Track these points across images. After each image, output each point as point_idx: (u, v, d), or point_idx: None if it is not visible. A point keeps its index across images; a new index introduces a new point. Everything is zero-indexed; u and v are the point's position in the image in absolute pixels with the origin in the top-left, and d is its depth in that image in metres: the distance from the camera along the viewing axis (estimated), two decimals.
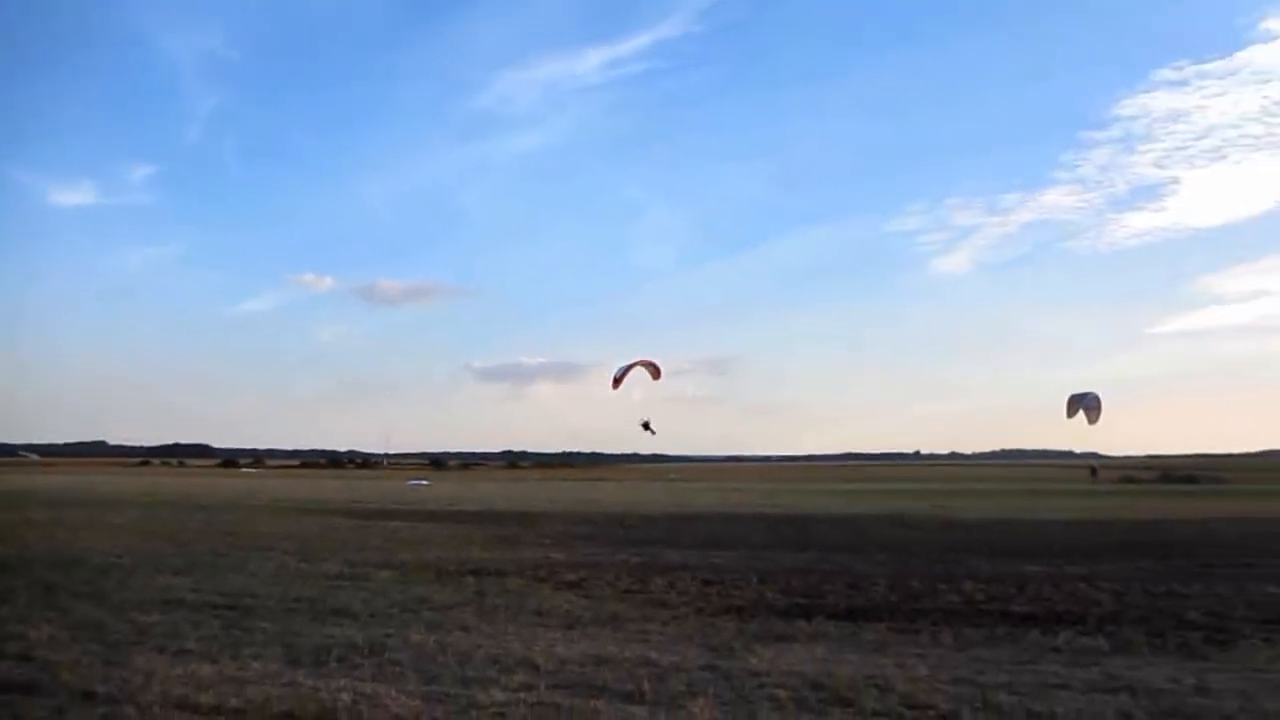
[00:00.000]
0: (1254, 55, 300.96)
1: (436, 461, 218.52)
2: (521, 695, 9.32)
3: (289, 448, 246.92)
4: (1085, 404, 37.35)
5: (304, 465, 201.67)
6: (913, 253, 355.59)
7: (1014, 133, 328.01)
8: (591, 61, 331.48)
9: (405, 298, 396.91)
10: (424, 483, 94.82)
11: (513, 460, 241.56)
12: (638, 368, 39.17)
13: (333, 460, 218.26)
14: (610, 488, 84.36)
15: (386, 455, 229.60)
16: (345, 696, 9.08)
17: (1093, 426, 37.82)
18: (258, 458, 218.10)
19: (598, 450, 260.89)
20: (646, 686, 9.66)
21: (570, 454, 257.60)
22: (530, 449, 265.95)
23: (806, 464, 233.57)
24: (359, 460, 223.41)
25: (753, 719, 8.57)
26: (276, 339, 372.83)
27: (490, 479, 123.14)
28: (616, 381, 38.84)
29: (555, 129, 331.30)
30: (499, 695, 9.28)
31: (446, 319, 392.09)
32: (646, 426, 41.45)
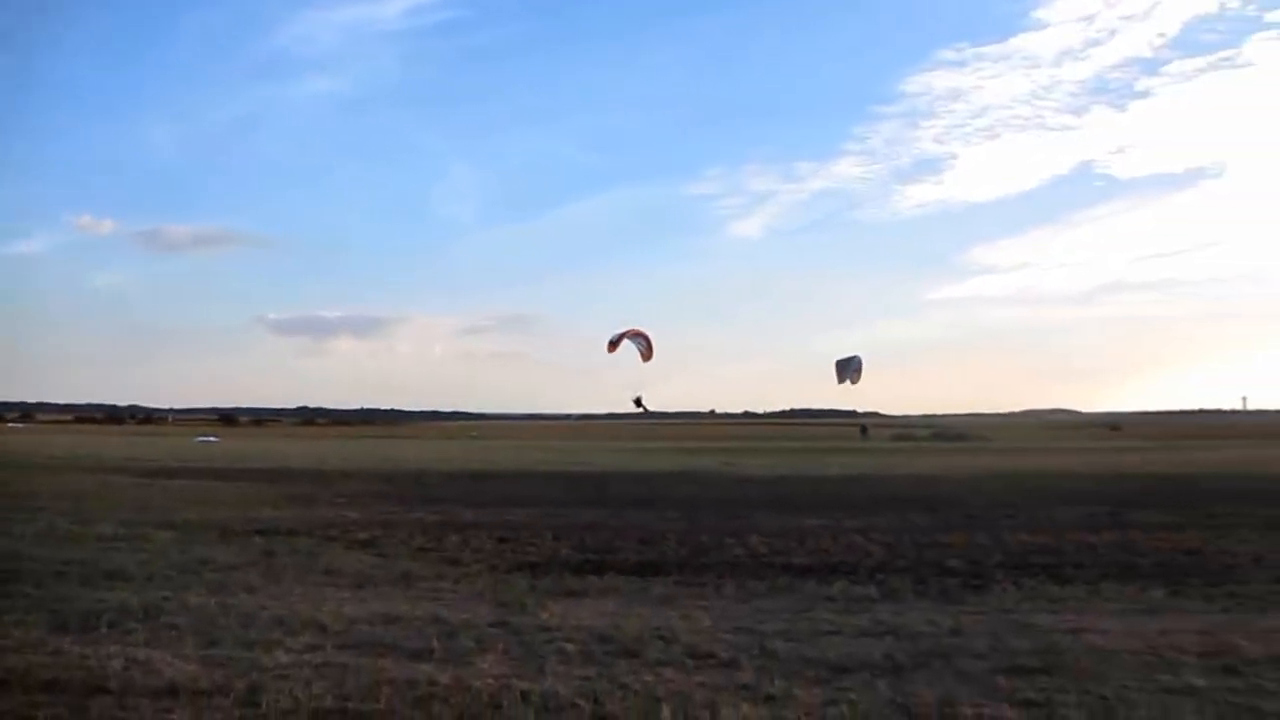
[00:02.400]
0: (1025, 42, 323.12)
1: (227, 417, 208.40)
2: (307, 656, 9.18)
3: (63, 401, 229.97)
4: (849, 367, 39.33)
5: (79, 420, 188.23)
6: (711, 216, 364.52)
7: (809, 103, 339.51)
8: (394, 6, 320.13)
9: (193, 244, 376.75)
10: (213, 439, 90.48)
11: (309, 417, 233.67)
12: (628, 340, 38.19)
13: (112, 415, 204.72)
14: (410, 445, 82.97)
15: (172, 410, 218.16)
16: (115, 663, 8.70)
17: (854, 386, 39.96)
18: (26, 412, 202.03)
19: (398, 407, 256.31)
20: (436, 644, 9.70)
21: (370, 411, 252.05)
22: (328, 405, 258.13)
23: (606, 422, 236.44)
24: (141, 415, 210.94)
25: (540, 673, 8.74)
26: (49, 285, 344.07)
27: (285, 436, 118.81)
28: (612, 345, 37.81)
29: (356, 74, 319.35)
30: (283, 657, 9.11)
31: (238, 268, 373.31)
32: (638, 403, 40.46)
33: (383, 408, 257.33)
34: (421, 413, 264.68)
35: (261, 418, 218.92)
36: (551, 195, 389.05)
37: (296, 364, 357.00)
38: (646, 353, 37.24)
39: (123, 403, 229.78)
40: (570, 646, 9.73)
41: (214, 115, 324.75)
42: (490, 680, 8.39)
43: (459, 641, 9.92)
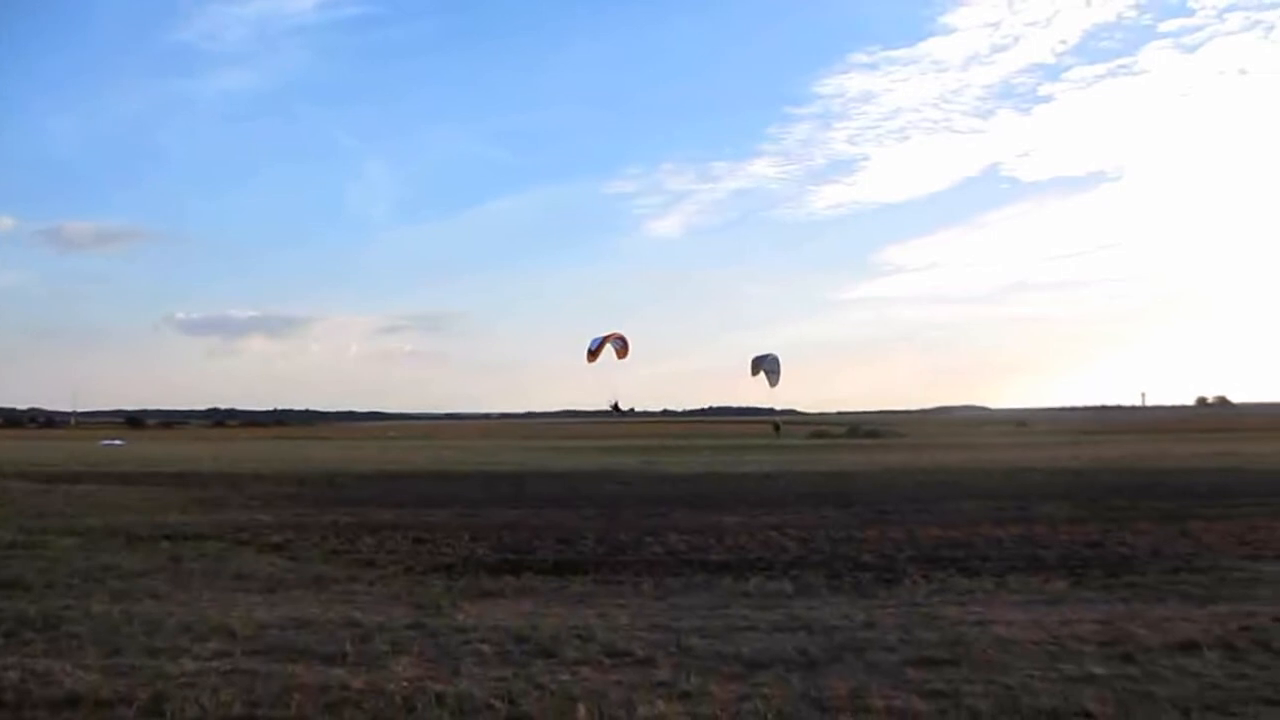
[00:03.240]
0: (934, 46, 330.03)
1: (134, 420, 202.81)
2: (214, 663, 8.99)
3: None
4: (765, 365, 39.58)
5: None
6: (628, 215, 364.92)
7: (725, 103, 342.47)
8: (306, 0, 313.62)
9: (97, 242, 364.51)
10: (118, 442, 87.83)
11: (220, 419, 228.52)
12: (611, 345, 37.38)
13: (10, 419, 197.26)
14: (325, 447, 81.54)
15: (74, 413, 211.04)
16: (12, 674, 8.42)
17: (773, 389, 40.08)
18: None
19: (313, 408, 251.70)
20: (349, 648, 9.58)
21: (283, 412, 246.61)
22: (240, 407, 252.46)
23: (525, 421, 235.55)
24: (43, 419, 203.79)
25: (456, 674, 8.68)
26: None
27: (195, 438, 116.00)
28: (592, 355, 36.92)
29: (266, 69, 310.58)
30: (190, 665, 8.90)
31: (144, 266, 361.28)
32: (616, 408, 39.58)
33: (297, 409, 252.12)
34: (337, 413, 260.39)
35: (170, 420, 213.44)
36: (468, 193, 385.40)
37: (206, 365, 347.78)
38: (622, 351, 37.09)
39: (22, 405, 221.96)
40: (486, 647, 9.69)
41: (119, 110, 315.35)
42: (405, 683, 8.31)
43: (373, 644, 9.80)
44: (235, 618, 10.93)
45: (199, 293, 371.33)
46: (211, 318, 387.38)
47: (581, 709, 7.62)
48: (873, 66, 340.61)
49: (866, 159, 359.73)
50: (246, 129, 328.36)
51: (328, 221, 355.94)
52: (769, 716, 7.53)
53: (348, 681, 8.35)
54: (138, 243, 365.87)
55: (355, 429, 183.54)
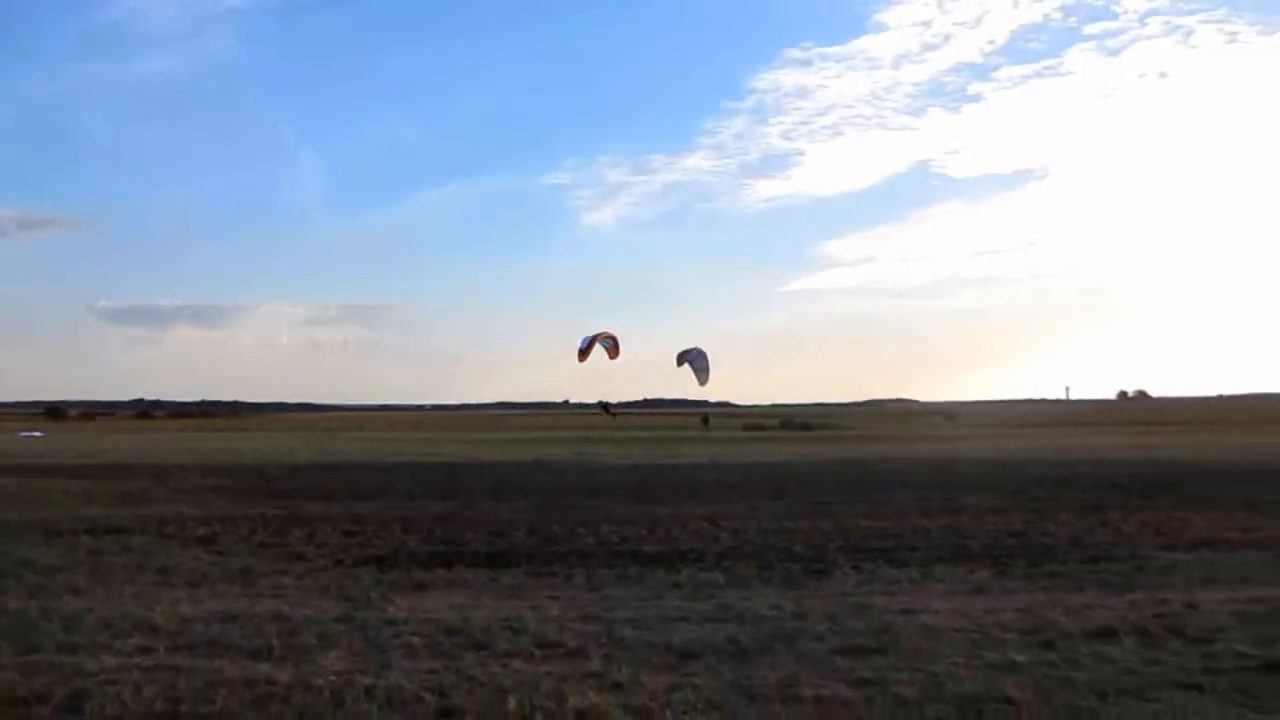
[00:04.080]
0: (867, 44, 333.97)
1: (54, 410, 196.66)
2: (136, 659, 8.81)
3: None
4: (690, 359, 39.71)
5: None
6: (565, 207, 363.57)
7: (662, 96, 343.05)
8: None
9: (15, 228, 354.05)
10: (37, 434, 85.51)
11: (145, 410, 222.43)
12: (601, 345, 36.57)
13: None
14: (254, 438, 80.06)
15: None
16: None
17: (702, 386, 40.19)
18: None
19: (242, 399, 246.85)
20: (276, 642, 9.45)
21: (211, 403, 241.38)
22: (165, 398, 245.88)
23: (460, 413, 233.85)
24: None
25: (385, 667, 8.61)
26: None
27: (119, 430, 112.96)
28: (582, 354, 36.10)
29: (194, 53, 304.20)
30: (110, 661, 8.70)
31: (66, 254, 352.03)
32: (605, 408, 38.66)
33: (225, 400, 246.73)
34: (267, 404, 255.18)
35: (93, 411, 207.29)
36: (403, 183, 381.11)
37: (131, 354, 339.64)
38: (613, 350, 36.64)
39: None
40: (417, 640, 9.62)
41: (38, 93, 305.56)
42: (333, 677, 8.22)
43: (301, 638, 9.67)
44: (158, 613, 10.71)
45: (124, 281, 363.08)
46: (136, 306, 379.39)
47: (512, 701, 7.61)
48: (807, 63, 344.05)
49: (801, 154, 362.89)
50: (174, 114, 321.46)
51: (258, 209, 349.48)
52: (699, 706, 7.58)
53: (274, 676, 8.23)
54: (60, 230, 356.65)
55: (285, 420, 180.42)
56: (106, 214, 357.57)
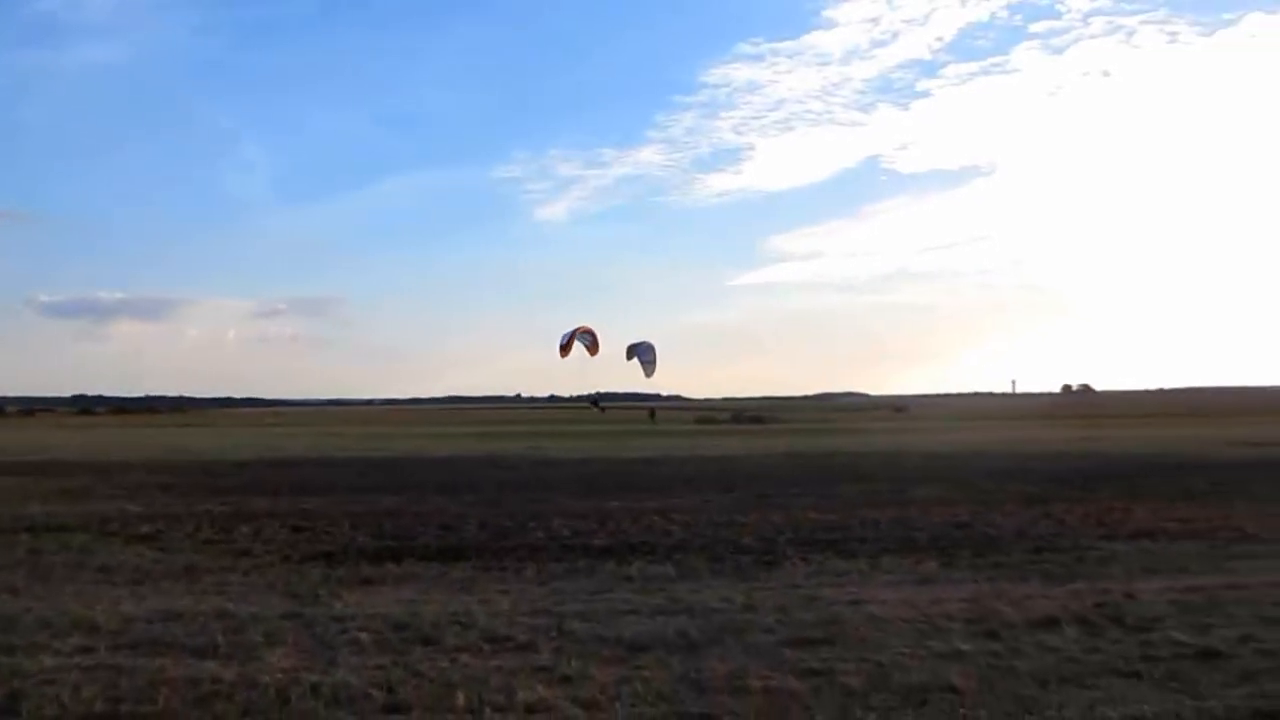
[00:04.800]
0: (817, 39, 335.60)
1: None
2: (76, 659, 8.66)
3: None
4: (639, 353, 39.69)
5: None
6: (516, 201, 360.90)
7: (614, 90, 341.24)
8: None
9: None
10: None
11: (87, 405, 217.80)
12: (579, 340, 35.84)
13: None
14: (200, 434, 78.78)
15: None
16: None
17: (649, 378, 40.19)
18: None
19: (187, 394, 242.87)
20: (221, 640, 9.32)
21: (155, 399, 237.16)
22: (108, 393, 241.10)
23: (410, 408, 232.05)
24: None
25: (332, 664, 8.53)
26: None
27: (60, 426, 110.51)
28: (563, 350, 35.38)
29: (134, 42, 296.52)
30: (49, 661, 8.54)
31: (4, 247, 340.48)
32: (595, 404, 37.94)
33: (169, 395, 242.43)
34: (213, 400, 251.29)
35: (32, 407, 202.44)
36: (351, 176, 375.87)
37: (72, 349, 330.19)
38: (593, 347, 36.26)
39: None
40: (365, 636, 9.54)
41: None
42: (279, 674, 8.13)
43: (247, 636, 9.55)
44: (99, 612, 10.52)
45: (64, 274, 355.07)
46: (77, 300, 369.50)
47: (460, 696, 7.58)
48: (758, 57, 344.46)
49: (752, 148, 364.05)
50: (114, 104, 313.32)
51: (202, 201, 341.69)
52: (649, 699, 7.61)
53: (219, 674, 8.13)
54: None
55: (232, 416, 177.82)
56: (46, 206, 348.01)
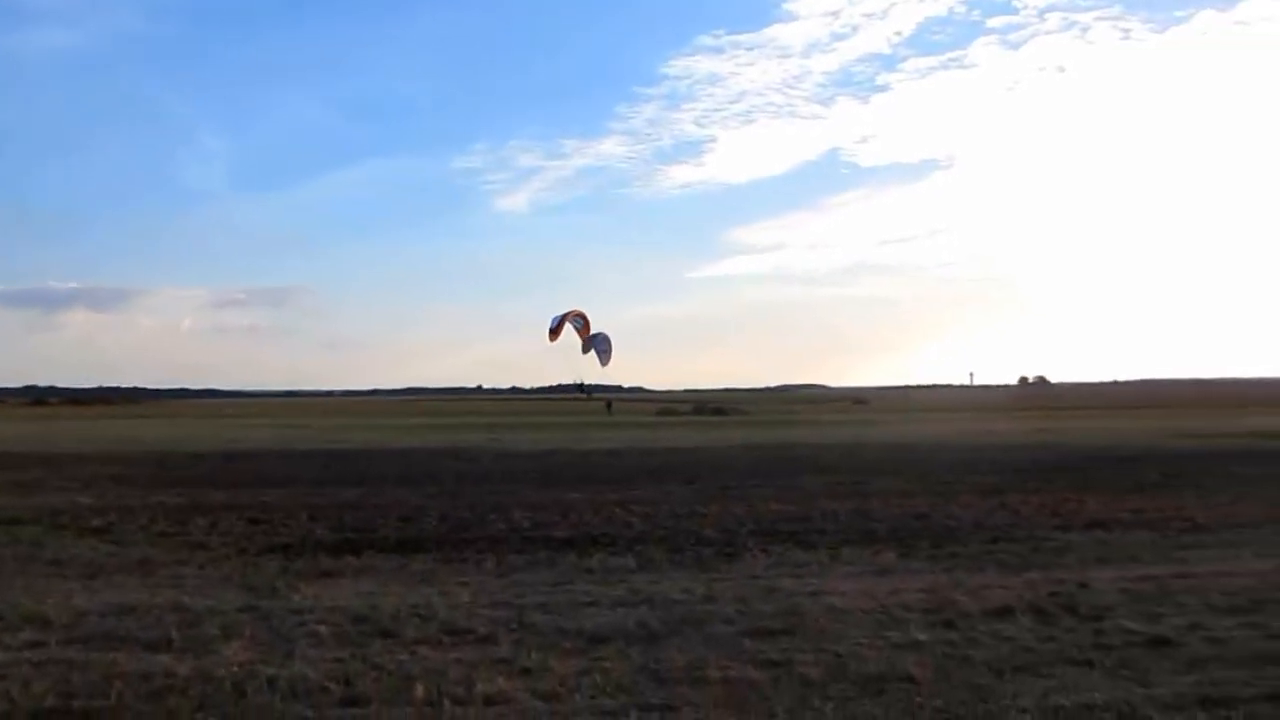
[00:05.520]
0: (778, 32, 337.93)
1: None
2: (27, 654, 8.53)
3: None
4: (595, 343, 39.71)
5: None
6: (477, 191, 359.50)
7: (574, 81, 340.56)
8: None
9: None
10: None
11: (39, 396, 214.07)
12: (571, 324, 35.10)
13: None
14: (155, 425, 77.56)
15: None
16: None
17: (604, 368, 40.22)
18: None
19: (142, 385, 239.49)
20: (175, 633, 9.21)
21: (109, 389, 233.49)
22: (60, 384, 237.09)
23: (370, 399, 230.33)
24: None
25: (289, 657, 8.46)
26: None
27: (10, 418, 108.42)
28: (553, 333, 34.65)
29: (91, 28, 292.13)
30: None
31: None
32: (591, 395, 37.39)
33: (124, 386, 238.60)
34: (168, 390, 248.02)
35: None
36: (310, 164, 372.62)
37: (24, 339, 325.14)
38: (584, 330, 35.80)
39: None
40: (323, 629, 9.48)
41: None
42: (235, 668, 8.06)
43: (202, 629, 9.45)
44: (50, 606, 10.36)
45: (15, 263, 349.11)
46: (29, 290, 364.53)
47: (419, 688, 7.54)
48: (719, 50, 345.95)
49: (713, 140, 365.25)
50: (68, 90, 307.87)
51: (157, 190, 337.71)
52: (608, 690, 7.62)
53: (173, 668, 8.04)
54: None
55: (188, 407, 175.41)
56: None
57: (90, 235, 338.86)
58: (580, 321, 36.24)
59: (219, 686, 7.59)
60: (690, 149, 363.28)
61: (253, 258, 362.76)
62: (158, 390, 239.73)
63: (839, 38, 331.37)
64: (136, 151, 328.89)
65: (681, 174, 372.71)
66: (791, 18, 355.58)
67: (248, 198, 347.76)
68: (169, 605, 10.50)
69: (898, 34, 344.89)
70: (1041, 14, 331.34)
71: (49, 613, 10.03)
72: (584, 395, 41.48)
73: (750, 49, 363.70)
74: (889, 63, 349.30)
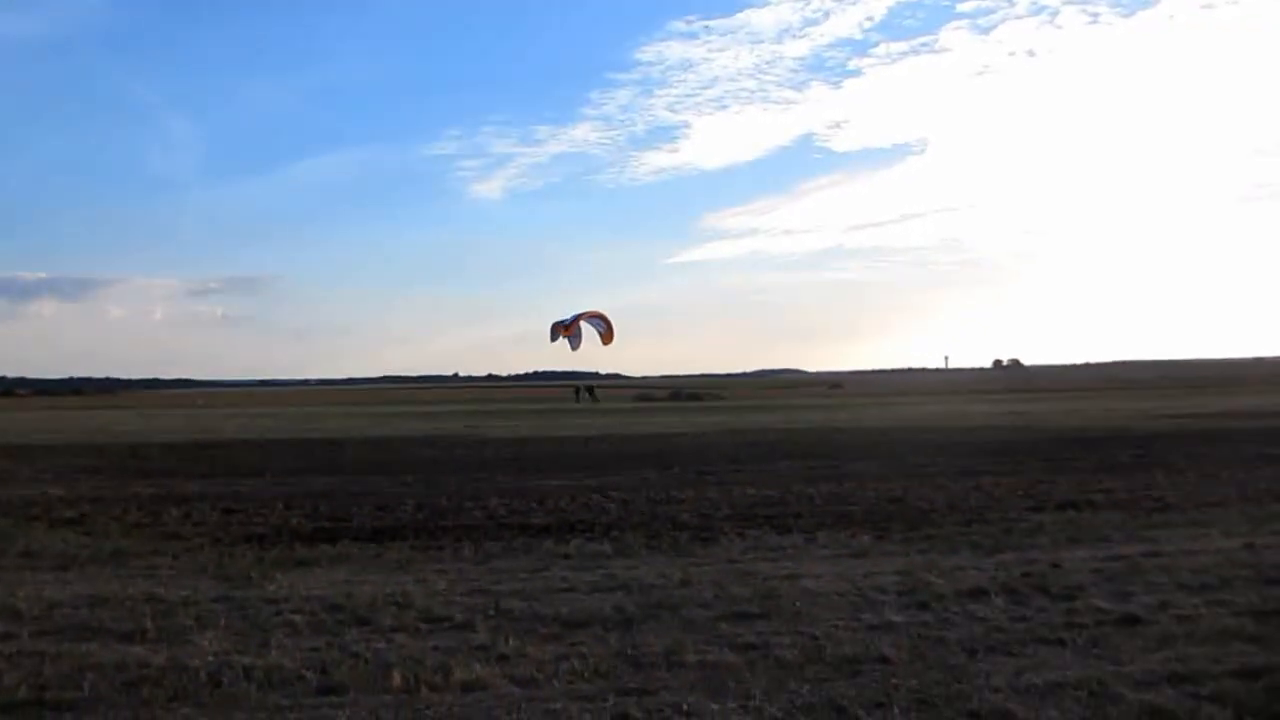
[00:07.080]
0: (750, 17, 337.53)
1: None
2: None
3: None
4: (594, 326, 39.68)
5: None
6: (450, 178, 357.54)
7: (547, 67, 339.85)
8: None
9: None
10: None
11: (8, 387, 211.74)
12: (586, 323, 33.89)
13: None
14: (126, 416, 76.94)
15: None
16: None
17: (575, 352, 40.20)
18: None
19: (113, 376, 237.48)
20: (150, 624, 9.15)
21: (79, 380, 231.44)
22: (29, 375, 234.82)
23: (345, 388, 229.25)
24: None
25: (265, 646, 8.43)
26: None
27: None
28: (562, 329, 33.35)
29: (54, 15, 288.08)
30: None
31: None
32: (590, 392, 36.69)
33: (95, 376, 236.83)
34: (140, 381, 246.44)
35: None
36: (282, 152, 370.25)
37: None
38: (607, 335, 34.74)
39: None
40: (299, 618, 9.44)
41: None
42: (210, 658, 8.02)
43: (177, 620, 9.39)
44: (21, 597, 10.27)
45: None
46: None
47: (396, 675, 7.54)
48: (692, 35, 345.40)
49: (687, 126, 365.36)
50: (33, 78, 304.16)
51: (126, 178, 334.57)
52: (585, 675, 7.64)
53: (147, 659, 7.99)
54: None
55: (161, 397, 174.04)
56: None
57: (58, 224, 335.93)
58: (601, 324, 35.30)
59: (194, 677, 7.55)
60: (664, 135, 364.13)
61: (225, 246, 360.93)
62: (129, 381, 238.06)
63: (811, 23, 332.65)
64: (104, 139, 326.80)
65: (656, 160, 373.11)
66: (764, 3, 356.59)
67: (219, 186, 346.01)
68: (142, 596, 10.44)
69: (869, 19, 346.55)
70: None
71: (20, 605, 9.95)
72: (592, 399, 40.99)
73: (723, 34, 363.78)
74: (861, 48, 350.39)
